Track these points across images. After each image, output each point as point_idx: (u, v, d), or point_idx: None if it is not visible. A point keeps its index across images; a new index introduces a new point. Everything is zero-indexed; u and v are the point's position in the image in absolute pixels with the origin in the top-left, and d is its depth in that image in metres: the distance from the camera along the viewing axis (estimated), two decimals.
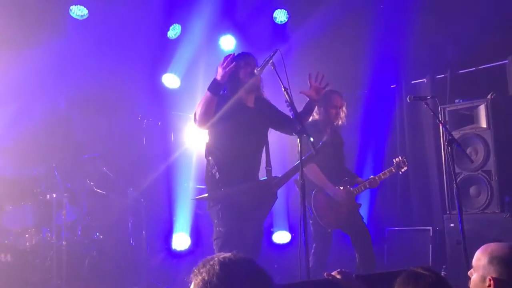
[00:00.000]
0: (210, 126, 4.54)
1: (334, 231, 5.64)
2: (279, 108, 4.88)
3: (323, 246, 5.62)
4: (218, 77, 4.39)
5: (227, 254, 1.93)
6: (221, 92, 4.51)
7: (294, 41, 7.62)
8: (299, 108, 4.61)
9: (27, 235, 5.98)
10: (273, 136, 4.94)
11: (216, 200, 4.45)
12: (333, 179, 5.53)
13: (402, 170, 5.82)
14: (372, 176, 5.71)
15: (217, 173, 4.43)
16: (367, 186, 5.67)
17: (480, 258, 2.59)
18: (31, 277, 5.65)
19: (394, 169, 5.76)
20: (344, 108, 5.80)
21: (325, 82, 4.83)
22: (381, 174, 5.72)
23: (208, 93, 4.39)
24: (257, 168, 4.67)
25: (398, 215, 7.33)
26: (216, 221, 4.42)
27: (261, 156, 4.70)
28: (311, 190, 5.44)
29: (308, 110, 4.87)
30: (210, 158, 4.52)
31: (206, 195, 4.59)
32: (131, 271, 6.38)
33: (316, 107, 5.71)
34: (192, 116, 4.60)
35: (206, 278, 1.84)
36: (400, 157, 5.83)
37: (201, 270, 1.88)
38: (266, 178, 4.63)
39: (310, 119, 5.71)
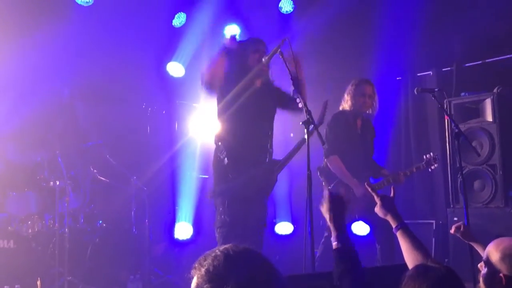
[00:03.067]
0: (219, 93, 4.54)
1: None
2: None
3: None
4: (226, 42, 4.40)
5: (229, 246, 1.90)
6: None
7: (300, 32, 7.57)
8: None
9: (30, 222, 5.97)
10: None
11: (223, 191, 4.44)
12: (358, 172, 5.45)
13: (432, 167, 5.66)
14: (398, 171, 5.62)
15: (225, 158, 4.42)
16: (390, 182, 5.50)
17: (492, 253, 2.57)
18: (34, 264, 5.65)
19: (423, 166, 5.63)
20: (375, 97, 5.68)
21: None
22: (407, 170, 5.63)
23: (215, 54, 4.40)
24: (265, 150, 4.65)
25: (402, 208, 7.21)
26: (221, 209, 4.42)
27: (269, 137, 4.68)
28: (330, 182, 5.39)
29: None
30: (220, 143, 4.50)
31: (212, 191, 4.60)
32: (134, 259, 6.37)
33: (345, 96, 5.67)
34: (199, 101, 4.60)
35: (210, 269, 1.81)
36: (431, 154, 5.68)
37: (204, 263, 1.84)
38: (267, 161, 4.61)
39: (341, 108, 5.66)
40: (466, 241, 3.33)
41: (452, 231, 3.49)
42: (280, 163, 4.67)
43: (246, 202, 4.38)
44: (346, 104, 5.65)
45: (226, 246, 1.88)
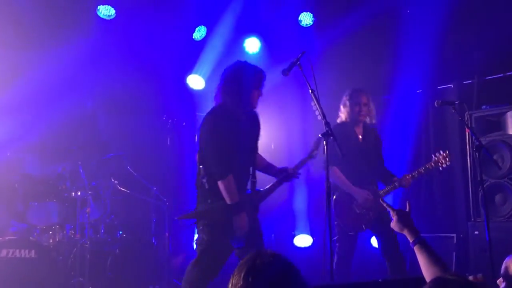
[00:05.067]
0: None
1: (360, 233, 5.61)
2: None
3: (346, 247, 5.57)
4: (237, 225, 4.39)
5: (259, 254, 1.93)
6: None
7: (319, 45, 7.59)
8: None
9: (51, 232, 6.05)
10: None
11: (203, 212, 4.47)
12: (361, 180, 5.48)
13: (443, 166, 5.58)
14: (405, 174, 5.60)
15: (206, 183, 4.43)
16: (396, 186, 5.54)
17: (511, 267, 2.55)
18: (54, 274, 5.69)
19: (431, 165, 5.57)
20: (371, 105, 5.71)
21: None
22: (415, 172, 5.59)
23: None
24: (247, 180, 4.64)
25: (422, 221, 7.24)
26: (201, 227, 4.45)
27: (252, 166, 4.67)
28: (333, 193, 5.42)
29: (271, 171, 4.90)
30: (201, 167, 4.50)
31: (190, 213, 4.63)
32: (153, 270, 6.40)
33: (341, 107, 5.70)
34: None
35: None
36: (441, 152, 5.59)
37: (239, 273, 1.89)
38: (250, 191, 4.62)
39: (338, 120, 5.71)
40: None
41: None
42: (261, 194, 4.69)
43: (225, 224, 4.39)
44: (343, 115, 5.71)
45: (256, 255, 1.92)
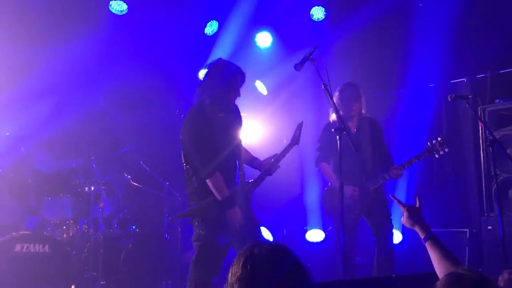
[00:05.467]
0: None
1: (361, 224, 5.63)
2: None
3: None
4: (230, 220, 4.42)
5: (256, 246, 1.94)
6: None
7: (331, 39, 7.57)
8: None
9: (64, 227, 6.10)
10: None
11: (196, 210, 4.49)
12: (352, 174, 5.38)
13: (440, 153, 5.49)
14: (394, 166, 5.53)
15: (195, 181, 4.46)
16: (386, 178, 5.51)
17: None
18: (68, 268, 5.74)
19: (424, 154, 5.49)
20: (362, 100, 5.65)
21: None
22: (405, 162, 5.52)
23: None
24: (234, 174, 4.66)
25: (434, 216, 7.22)
26: (196, 223, 4.47)
27: (238, 160, 4.68)
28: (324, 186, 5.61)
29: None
30: (188, 166, 4.52)
31: (184, 212, 4.66)
32: (166, 265, 6.43)
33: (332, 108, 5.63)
34: None
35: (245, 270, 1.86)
36: (437, 139, 5.51)
37: (237, 264, 1.89)
38: (239, 184, 4.63)
39: (331, 120, 5.67)
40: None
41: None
42: (251, 183, 4.71)
43: (219, 219, 4.42)
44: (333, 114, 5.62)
45: (252, 247, 1.93)
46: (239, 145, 4.73)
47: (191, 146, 4.49)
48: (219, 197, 4.39)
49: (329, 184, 5.75)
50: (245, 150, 4.87)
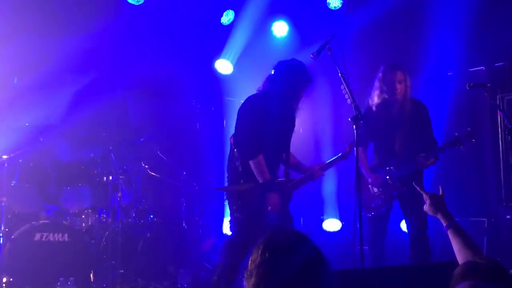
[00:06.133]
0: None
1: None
2: None
3: (373, 228, 5.46)
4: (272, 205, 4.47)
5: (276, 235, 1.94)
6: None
7: (348, 28, 7.52)
8: None
9: (83, 216, 6.15)
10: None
11: (236, 192, 4.53)
12: (385, 162, 5.36)
13: (466, 145, 5.21)
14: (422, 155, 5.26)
15: (240, 166, 4.50)
16: (414, 166, 5.26)
17: None
18: (87, 257, 5.80)
19: (450, 145, 5.20)
20: (408, 82, 5.40)
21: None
22: (431, 154, 5.27)
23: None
24: (277, 167, 4.75)
25: (453, 205, 7.15)
26: (234, 207, 4.51)
27: (283, 155, 4.78)
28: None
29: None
30: (236, 150, 4.57)
31: (228, 187, 4.70)
32: (183, 253, 6.47)
33: (376, 83, 5.47)
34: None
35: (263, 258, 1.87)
36: (466, 130, 5.25)
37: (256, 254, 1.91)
38: (283, 179, 4.71)
39: (371, 101, 5.56)
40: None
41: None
42: (295, 181, 4.77)
43: (258, 202, 4.47)
44: (377, 93, 5.45)
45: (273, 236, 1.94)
46: (288, 144, 4.80)
47: (244, 125, 4.58)
48: (260, 179, 4.45)
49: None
50: (292, 154, 4.93)
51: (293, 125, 4.86)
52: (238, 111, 4.67)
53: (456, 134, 5.27)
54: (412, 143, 5.37)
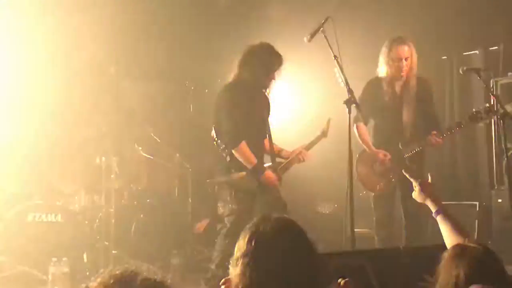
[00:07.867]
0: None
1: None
2: None
3: (380, 213, 5.41)
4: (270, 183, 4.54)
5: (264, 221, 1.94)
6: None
7: (341, 10, 7.47)
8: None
9: (76, 197, 6.16)
10: None
11: (228, 183, 4.56)
12: (390, 140, 5.32)
13: (485, 121, 5.26)
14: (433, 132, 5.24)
15: (227, 156, 4.53)
16: (422, 145, 5.23)
17: None
18: (81, 238, 5.82)
19: (467, 121, 5.20)
20: (414, 57, 5.27)
21: None
22: (444, 130, 5.31)
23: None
24: (261, 153, 4.81)
25: (444, 189, 7.21)
26: (228, 198, 4.54)
27: (264, 144, 4.86)
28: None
29: None
30: (219, 141, 4.59)
31: (220, 179, 4.75)
32: (177, 235, 6.50)
33: (380, 58, 5.36)
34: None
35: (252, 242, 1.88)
36: (485, 106, 5.22)
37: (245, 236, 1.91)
38: (270, 164, 4.75)
39: (375, 76, 5.46)
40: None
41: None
42: (283, 164, 4.79)
43: (252, 195, 4.52)
44: (382, 68, 5.35)
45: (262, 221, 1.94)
46: (268, 129, 4.82)
47: (224, 115, 4.63)
48: (248, 165, 4.50)
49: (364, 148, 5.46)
50: (274, 143, 4.96)
51: (269, 110, 4.90)
52: (216, 101, 4.74)
53: (474, 109, 5.20)
54: (420, 120, 5.35)
